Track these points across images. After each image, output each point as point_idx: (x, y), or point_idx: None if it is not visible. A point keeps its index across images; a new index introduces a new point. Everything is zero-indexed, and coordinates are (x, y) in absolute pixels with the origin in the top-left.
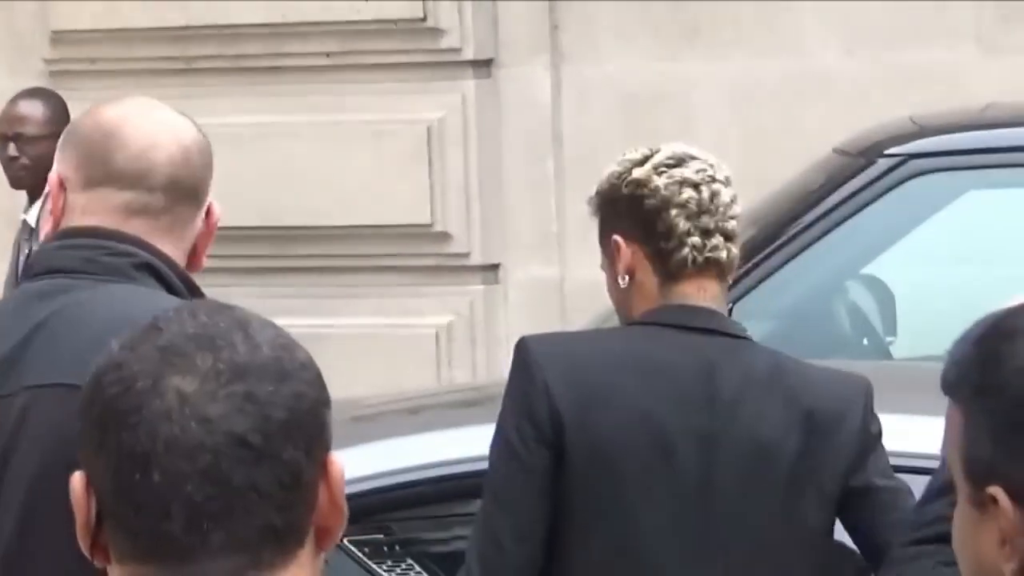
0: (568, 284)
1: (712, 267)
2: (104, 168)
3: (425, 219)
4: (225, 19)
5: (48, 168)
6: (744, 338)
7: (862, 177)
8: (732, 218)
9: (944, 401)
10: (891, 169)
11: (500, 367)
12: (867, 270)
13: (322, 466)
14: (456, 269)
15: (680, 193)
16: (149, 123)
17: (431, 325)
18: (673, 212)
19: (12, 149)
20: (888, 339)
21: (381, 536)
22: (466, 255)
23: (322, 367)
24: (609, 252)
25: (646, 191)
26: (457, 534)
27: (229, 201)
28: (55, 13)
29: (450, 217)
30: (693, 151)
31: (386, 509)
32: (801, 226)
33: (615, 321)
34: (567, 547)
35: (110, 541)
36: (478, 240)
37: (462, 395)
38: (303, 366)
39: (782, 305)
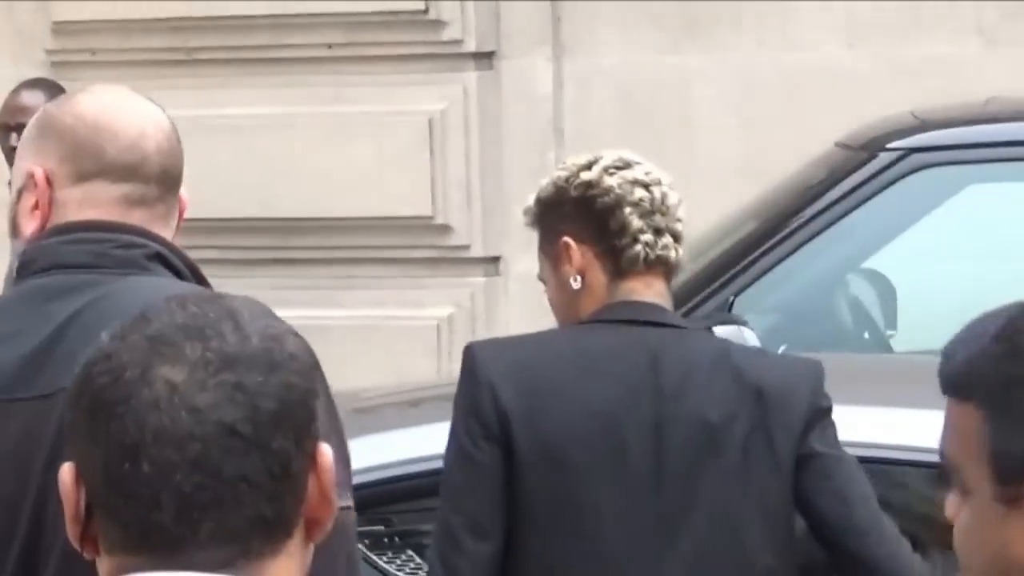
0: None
1: (660, 265)
2: (97, 161)
3: (426, 211)
4: (226, 10)
5: None
6: (685, 327)
7: (864, 171)
8: (679, 220)
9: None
10: (893, 163)
11: None
12: (868, 264)
13: (311, 457)
14: (457, 261)
15: (633, 192)
16: (131, 113)
17: (432, 317)
18: (627, 210)
19: (14, 139)
20: (889, 333)
21: (381, 528)
22: (467, 247)
23: (323, 358)
24: (554, 256)
25: (598, 191)
26: None
27: (230, 192)
28: (56, 4)
29: (451, 209)
30: (637, 157)
31: (386, 501)
32: (802, 220)
33: None
34: (525, 542)
35: (100, 532)
36: (479, 232)
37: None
38: (292, 357)
39: (783, 299)
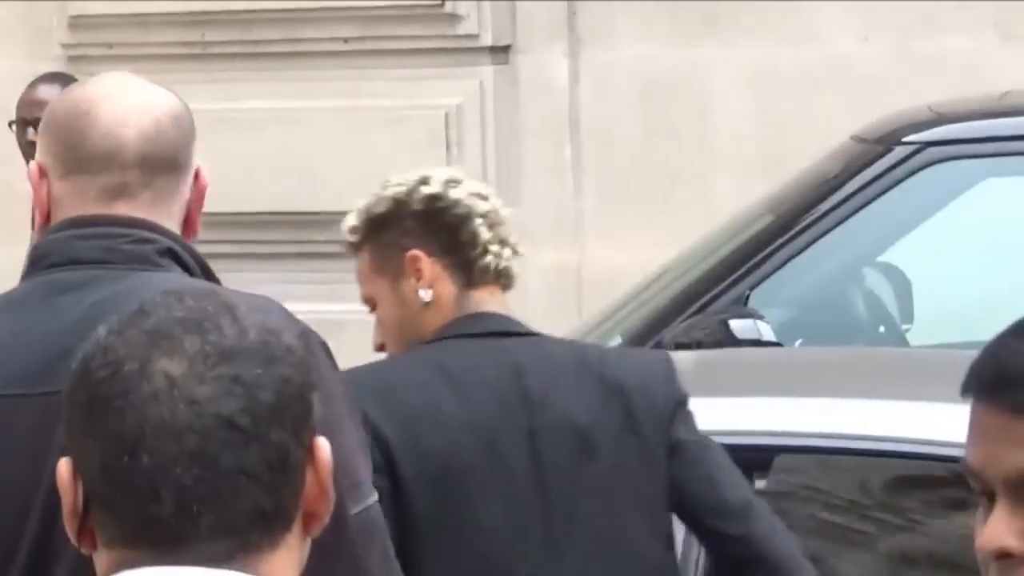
0: (586, 270)
1: (504, 276)
2: (77, 152)
3: None
4: (243, 4)
5: None
6: (539, 335)
7: (880, 164)
8: (511, 234)
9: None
10: (909, 157)
11: None
12: (884, 258)
13: (309, 450)
14: None
15: (479, 205)
16: (116, 100)
17: None
18: (477, 221)
19: (31, 133)
20: (905, 327)
21: None
22: None
23: (339, 353)
24: (394, 272)
25: (447, 203)
26: None
27: (246, 186)
28: None
29: None
30: (460, 175)
31: None
32: (819, 213)
33: (630, 309)
34: (420, 569)
35: (97, 526)
36: None
37: None
38: (290, 350)
39: (799, 292)
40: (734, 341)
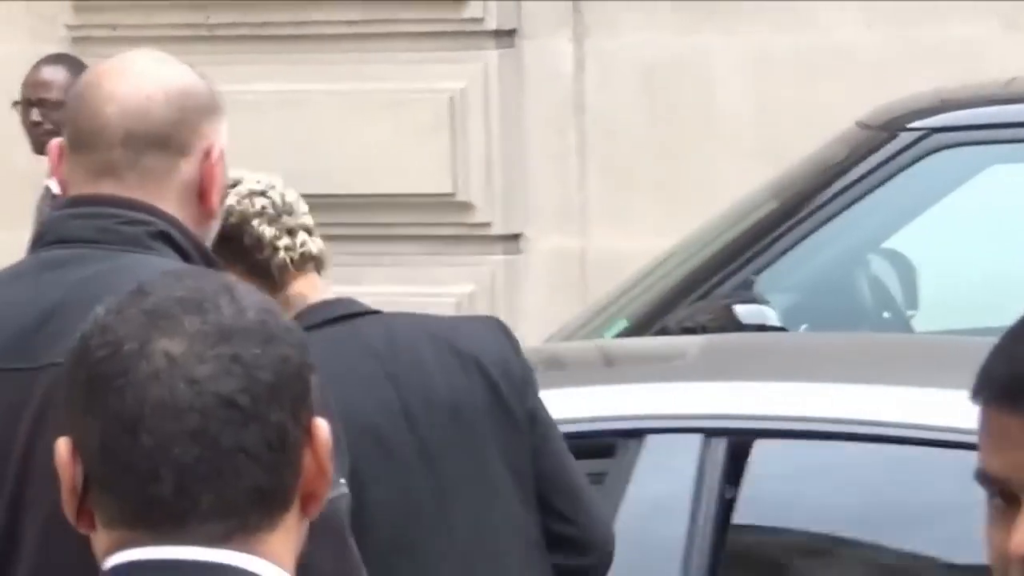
0: (590, 255)
1: (309, 261)
2: (73, 132)
3: (447, 188)
4: None
5: None
6: (379, 312)
7: (884, 151)
8: (306, 214)
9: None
10: (913, 143)
11: (522, 338)
12: (889, 244)
13: (307, 430)
14: (477, 239)
15: (253, 203)
16: (112, 78)
17: (452, 294)
18: (255, 223)
19: (35, 114)
20: (909, 312)
21: None
22: (487, 225)
23: None
24: None
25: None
26: None
27: (249, 169)
28: None
29: (472, 187)
30: (242, 173)
31: None
32: (824, 199)
33: (635, 294)
34: None
35: (96, 507)
36: (499, 210)
37: None
38: (288, 330)
39: (804, 278)
40: (739, 326)
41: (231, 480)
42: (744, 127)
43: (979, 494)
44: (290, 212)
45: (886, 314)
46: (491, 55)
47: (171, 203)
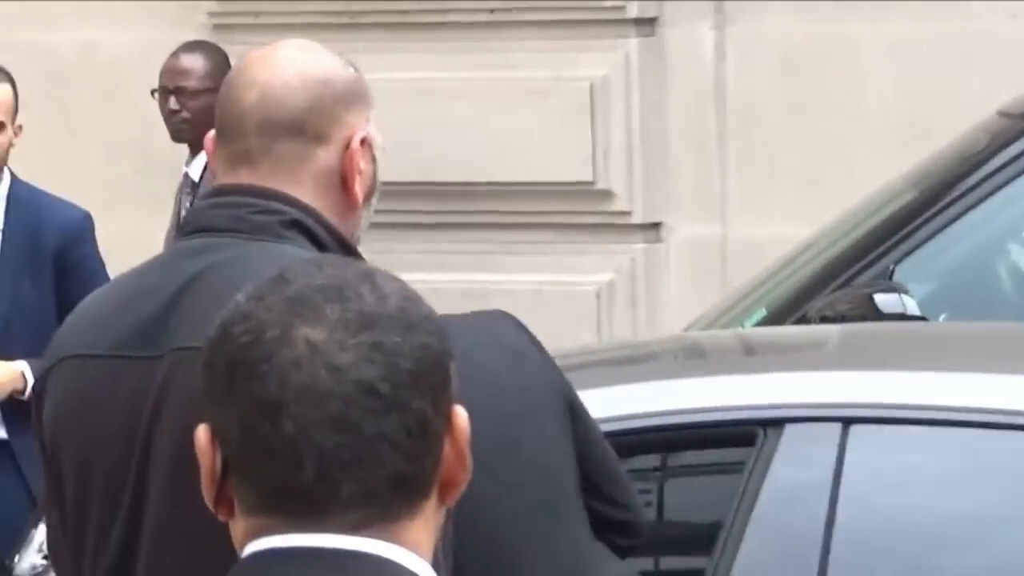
0: (730, 243)
1: None
2: (218, 120)
3: (587, 177)
4: None
5: (209, 121)
6: None
7: None
8: None
9: None
10: None
11: (661, 326)
12: None
13: (447, 418)
14: (618, 227)
15: None
16: (254, 66)
17: (592, 283)
18: None
19: (173, 102)
20: None
21: None
22: (628, 213)
23: None
24: None
25: None
26: None
27: (390, 157)
28: None
29: (612, 175)
30: None
31: None
32: (964, 188)
33: (774, 282)
34: None
35: (236, 493)
36: (640, 198)
37: (623, 352)
38: (427, 318)
39: (943, 267)
40: (879, 315)
41: (372, 467)
42: (886, 115)
43: None
44: None
45: None
46: (632, 43)
47: (308, 191)
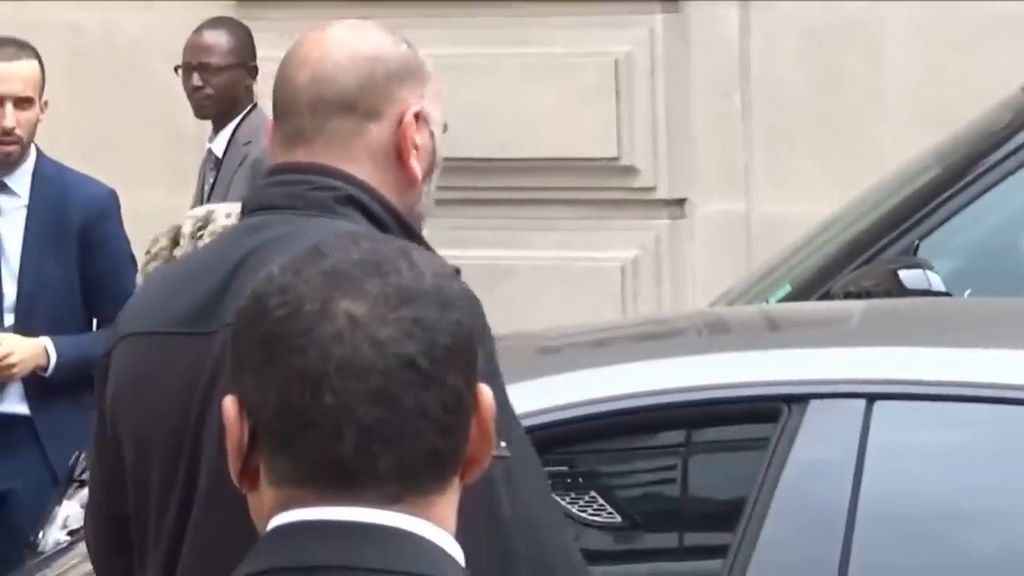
0: (754, 219)
1: None
2: (273, 101)
3: (611, 152)
4: None
5: (232, 98)
6: None
7: None
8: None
9: None
10: None
11: (686, 302)
12: None
13: (474, 396)
14: (642, 203)
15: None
16: (305, 46)
17: (616, 259)
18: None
19: (196, 79)
20: None
21: (565, 468)
22: (652, 189)
23: (508, 298)
24: None
25: None
26: (640, 467)
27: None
28: None
29: (636, 151)
30: (213, 206)
31: (570, 441)
32: (988, 164)
33: (799, 258)
34: None
35: (265, 465)
36: (664, 174)
37: (647, 328)
38: (461, 295)
39: (967, 243)
40: (903, 291)
41: (411, 442)
42: (910, 92)
43: None
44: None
45: None
46: (657, 19)
47: (364, 168)
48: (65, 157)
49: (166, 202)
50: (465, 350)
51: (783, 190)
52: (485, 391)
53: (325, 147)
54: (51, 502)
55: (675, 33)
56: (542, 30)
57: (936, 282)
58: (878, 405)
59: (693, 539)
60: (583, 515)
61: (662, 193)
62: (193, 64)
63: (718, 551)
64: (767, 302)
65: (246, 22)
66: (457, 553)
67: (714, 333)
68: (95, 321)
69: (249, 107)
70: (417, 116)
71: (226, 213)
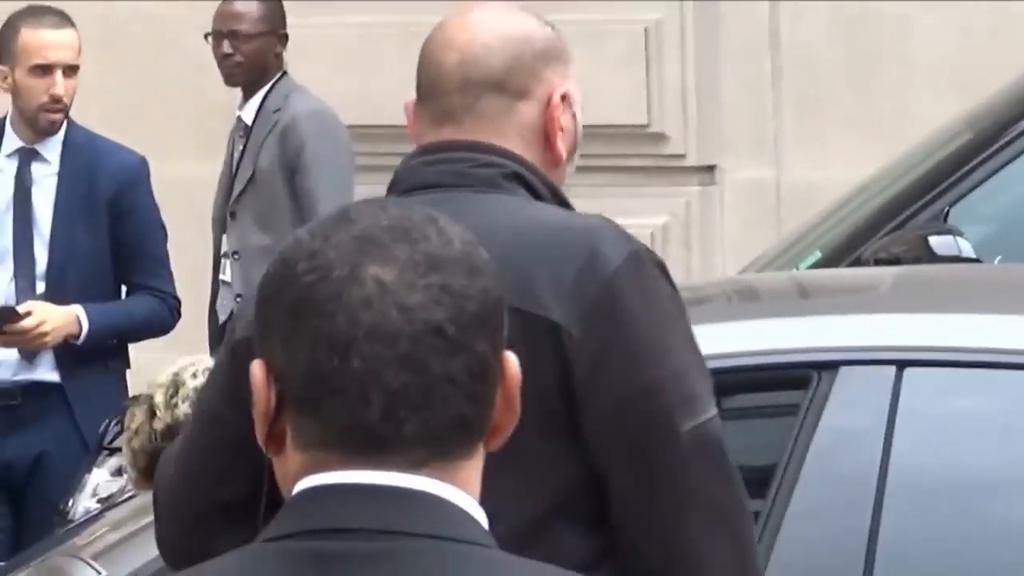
0: (784, 186)
1: None
2: (418, 82)
3: (641, 120)
4: None
5: (262, 65)
6: None
7: None
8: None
9: None
10: None
11: (716, 269)
12: None
13: (500, 364)
14: (672, 170)
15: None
16: (451, 27)
17: (646, 226)
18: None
19: (226, 46)
20: None
21: None
22: (682, 156)
23: None
24: None
25: None
26: None
27: None
28: None
29: (666, 118)
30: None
31: None
32: (1018, 130)
33: (829, 225)
34: None
35: (292, 429)
36: (694, 141)
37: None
38: (488, 262)
39: (998, 209)
40: (933, 257)
41: (437, 408)
42: (940, 58)
43: None
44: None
45: None
46: None
47: (515, 147)
48: (95, 126)
49: (196, 170)
50: (492, 317)
51: (813, 156)
52: (511, 359)
53: (475, 125)
54: (81, 470)
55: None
56: None
57: (966, 248)
58: (908, 372)
59: None
60: None
61: (692, 160)
62: (223, 31)
63: None
64: (797, 269)
65: None
66: (481, 517)
67: (744, 300)
68: (124, 289)
69: (279, 75)
70: (563, 98)
71: (192, 373)
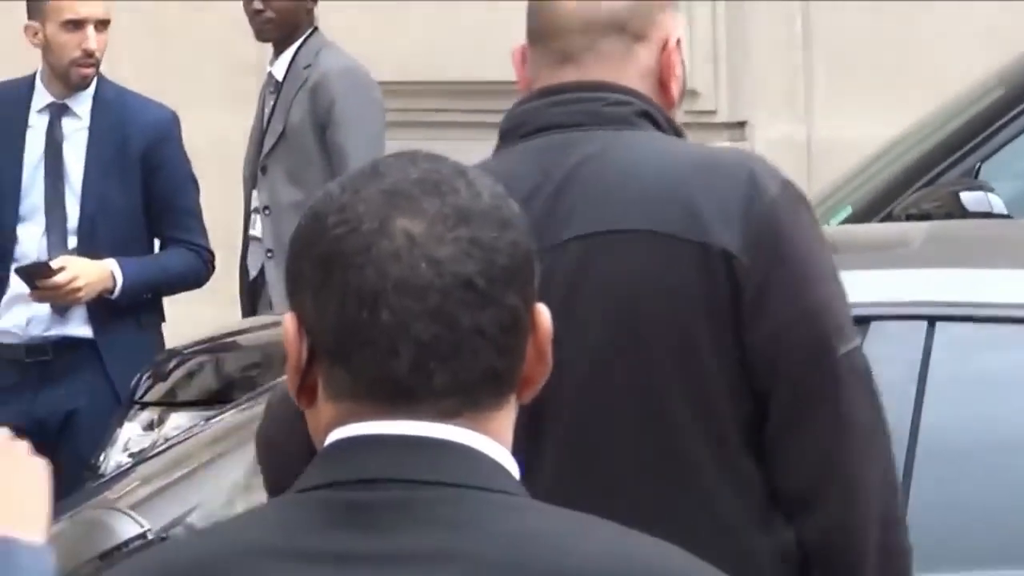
0: (815, 142)
1: None
2: (533, 26)
3: None
4: None
5: (293, 22)
6: None
7: None
8: None
9: None
10: None
11: None
12: None
13: (531, 316)
14: (703, 126)
15: None
16: None
17: None
18: None
19: (257, 2)
20: None
21: None
22: (713, 112)
23: None
24: None
25: None
26: None
27: (476, 56)
28: None
29: (697, 74)
30: None
31: None
32: None
33: (860, 181)
34: None
35: (323, 380)
36: (725, 97)
37: None
38: (518, 215)
39: None
40: (964, 213)
41: (467, 360)
42: (972, 15)
43: None
44: None
45: None
46: None
47: (635, 87)
48: (127, 81)
49: (227, 124)
50: (522, 269)
51: (844, 113)
52: (543, 311)
53: (597, 65)
54: (112, 424)
55: None
56: None
57: (997, 204)
58: (939, 326)
59: None
60: None
61: (723, 116)
62: None
63: None
64: (828, 224)
65: None
66: (513, 467)
67: None
68: (157, 243)
69: (310, 31)
70: (679, 43)
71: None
